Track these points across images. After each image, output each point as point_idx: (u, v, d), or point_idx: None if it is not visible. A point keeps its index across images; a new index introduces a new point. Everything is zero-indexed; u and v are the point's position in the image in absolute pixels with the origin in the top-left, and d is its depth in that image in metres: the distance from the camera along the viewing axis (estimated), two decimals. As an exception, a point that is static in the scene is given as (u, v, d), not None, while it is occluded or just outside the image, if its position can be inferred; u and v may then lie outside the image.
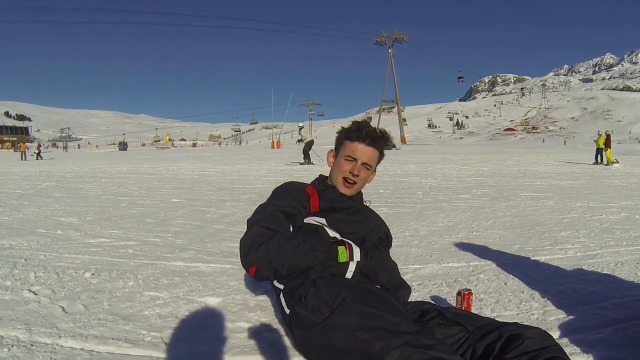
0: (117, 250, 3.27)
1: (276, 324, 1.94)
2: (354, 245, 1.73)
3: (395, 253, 2.38)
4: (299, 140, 17.80)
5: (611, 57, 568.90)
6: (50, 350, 1.66)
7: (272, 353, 1.69)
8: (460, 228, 4.18)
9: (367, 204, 2.03)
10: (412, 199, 6.36)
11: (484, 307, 2.18)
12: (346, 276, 1.67)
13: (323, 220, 1.84)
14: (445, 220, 4.60)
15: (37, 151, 29.60)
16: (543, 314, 2.06)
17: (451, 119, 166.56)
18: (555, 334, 1.81)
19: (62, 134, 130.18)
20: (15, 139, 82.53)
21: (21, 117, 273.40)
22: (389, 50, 76.91)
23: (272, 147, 42.55)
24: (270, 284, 1.82)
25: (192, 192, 7.38)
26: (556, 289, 2.40)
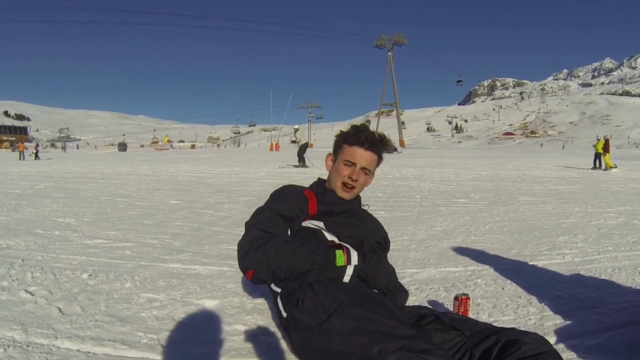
0: (115, 252, 3.26)
1: (273, 327, 1.94)
2: (351, 249, 1.73)
3: (392, 257, 2.38)
4: (293, 142, 17.77)
5: (610, 62, 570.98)
6: (47, 351, 1.66)
7: (269, 356, 1.69)
8: (458, 232, 4.18)
9: (365, 208, 2.03)
10: (411, 202, 6.36)
11: (481, 311, 2.18)
12: (344, 280, 1.66)
13: (321, 224, 1.84)
14: (444, 224, 4.60)
15: (34, 151, 29.66)
16: (540, 319, 2.06)
17: (450, 122, 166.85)
18: (553, 340, 1.81)
19: (61, 134, 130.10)
20: (13, 138, 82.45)
21: (20, 117, 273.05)
22: (389, 53, 77.07)
23: (271, 149, 42.57)
24: (267, 287, 1.82)
25: (190, 194, 7.37)
26: (554, 294, 2.40)
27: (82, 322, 1.93)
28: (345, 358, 1.28)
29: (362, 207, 2.01)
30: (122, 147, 65.43)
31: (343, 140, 1.90)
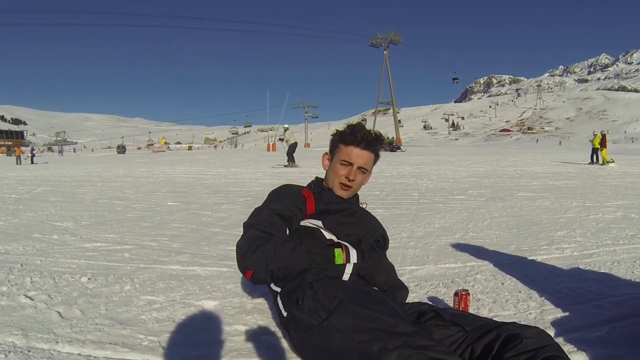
0: (114, 255, 3.25)
1: (273, 327, 1.94)
2: (350, 248, 1.73)
3: (391, 254, 2.38)
4: (281, 139, 17.74)
5: (606, 58, 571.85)
6: (48, 356, 1.65)
7: (269, 356, 1.69)
8: (457, 229, 4.19)
9: (363, 206, 2.03)
10: (408, 200, 6.37)
11: (481, 307, 2.18)
12: (343, 278, 1.66)
13: (319, 223, 1.84)
14: (442, 221, 4.61)
15: (30, 155, 29.68)
16: (540, 313, 2.07)
17: (447, 120, 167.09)
18: (553, 333, 1.81)
19: (58, 138, 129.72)
20: (10, 143, 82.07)
21: (16, 121, 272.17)
22: (385, 52, 77.01)
23: (268, 149, 42.52)
24: (267, 286, 1.82)
25: (188, 195, 7.36)
26: (553, 288, 2.40)
27: (83, 325, 1.93)
28: (345, 356, 1.28)
29: (360, 205, 2.01)
30: (121, 149, 65.51)
31: (339, 139, 1.90)
